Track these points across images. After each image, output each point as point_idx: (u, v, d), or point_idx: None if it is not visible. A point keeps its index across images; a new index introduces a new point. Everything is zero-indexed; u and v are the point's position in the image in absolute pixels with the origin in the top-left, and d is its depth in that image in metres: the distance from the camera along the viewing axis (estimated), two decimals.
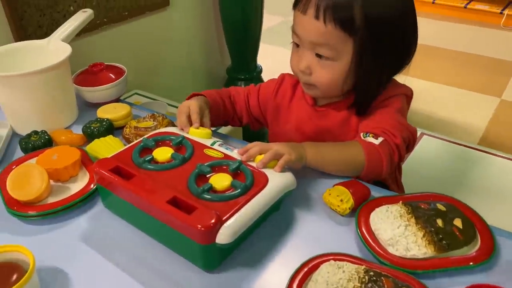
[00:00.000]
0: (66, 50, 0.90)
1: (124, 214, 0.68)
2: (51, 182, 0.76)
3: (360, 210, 0.68)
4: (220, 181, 0.63)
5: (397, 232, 0.62)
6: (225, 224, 0.57)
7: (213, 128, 0.81)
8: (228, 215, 0.58)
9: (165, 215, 0.58)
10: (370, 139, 0.74)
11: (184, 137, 0.72)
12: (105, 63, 1.02)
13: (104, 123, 0.88)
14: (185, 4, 1.71)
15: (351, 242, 0.65)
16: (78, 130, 0.91)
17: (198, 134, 0.75)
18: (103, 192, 0.69)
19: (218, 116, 0.89)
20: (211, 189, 0.62)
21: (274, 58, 2.88)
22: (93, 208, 0.73)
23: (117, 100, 1.02)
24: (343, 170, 0.75)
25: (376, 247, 0.62)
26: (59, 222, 0.70)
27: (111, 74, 1.00)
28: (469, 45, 2.98)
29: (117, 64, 1.04)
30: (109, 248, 0.65)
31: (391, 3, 0.73)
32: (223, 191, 0.62)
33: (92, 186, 0.74)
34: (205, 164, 0.66)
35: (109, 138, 0.85)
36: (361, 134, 0.76)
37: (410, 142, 0.79)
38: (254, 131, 1.02)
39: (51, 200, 0.72)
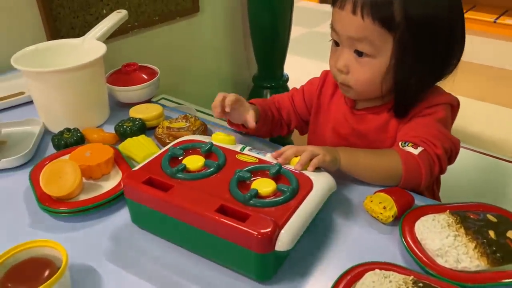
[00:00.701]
0: (101, 48, 0.89)
1: (160, 229, 0.64)
2: (84, 179, 0.74)
3: (404, 218, 0.64)
4: (264, 186, 0.60)
5: (446, 242, 0.58)
6: (283, 230, 0.54)
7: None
8: (283, 220, 0.54)
9: (216, 225, 0.55)
10: (409, 148, 0.71)
11: (212, 144, 0.69)
12: (138, 64, 1.01)
13: (137, 122, 0.87)
14: (215, 11, 1.71)
15: (395, 251, 0.62)
16: (109, 129, 0.90)
17: (222, 141, 0.72)
18: (133, 207, 0.64)
19: (267, 125, 0.86)
20: (257, 195, 0.59)
21: (298, 68, 2.87)
22: (125, 207, 0.71)
23: (149, 101, 1.01)
24: (377, 178, 0.72)
25: (424, 258, 0.58)
26: (90, 220, 0.69)
27: (143, 75, 0.99)
28: (499, 60, 2.92)
29: (150, 65, 1.03)
30: (141, 251, 0.63)
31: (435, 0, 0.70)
32: (269, 196, 0.59)
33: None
34: (244, 170, 0.63)
35: (142, 138, 0.84)
36: (400, 143, 0.73)
37: (452, 153, 0.75)
38: None
39: (83, 197, 0.71)
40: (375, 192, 0.68)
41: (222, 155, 0.67)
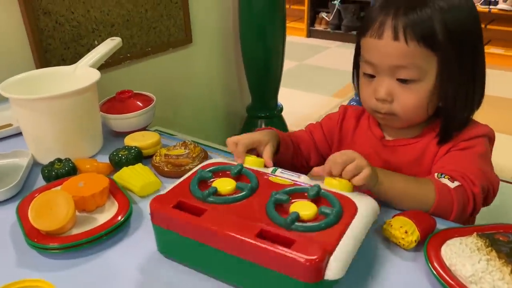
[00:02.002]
0: (94, 75, 0.85)
1: (192, 258, 0.58)
2: (77, 212, 0.68)
3: (428, 243, 0.59)
4: (304, 209, 0.55)
5: (479, 267, 0.53)
6: (332, 257, 0.48)
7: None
8: (331, 246, 0.49)
9: (257, 252, 0.49)
10: (445, 180, 0.67)
11: (242, 165, 0.64)
12: (133, 91, 0.97)
13: (133, 151, 0.82)
14: (208, 42, 1.70)
15: (422, 279, 0.57)
16: (103, 160, 0.85)
17: (251, 163, 0.67)
18: (161, 234, 0.59)
19: (287, 157, 0.81)
20: (298, 219, 0.53)
21: (291, 100, 2.87)
22: (122, 241, 0.65)
23: (144, 129, 0.96)
24: (407, 205, 0.67)
25: (456, 286, 0.53)
26: (83, 256, 0.62)
27: (138, 102, 0.95)
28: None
29: (145, 92, 0.99)
30: (141, 286, 0.57)
31: (465, 9, 0.69)
32: (310, 220, 0.54)
33: (120, 217, 0.66)
34: (281, 192, 0.57)
35: (139, 167, 0.78)
36: (436, 174, 0.68)
37: (489, 193, 0.70)
38: None
39: (76, 231, 0.65)
40: (393, 216, 0.64)
41: (254, 177, 0.62)
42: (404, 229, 0.60)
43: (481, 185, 0.67)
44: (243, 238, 0.50)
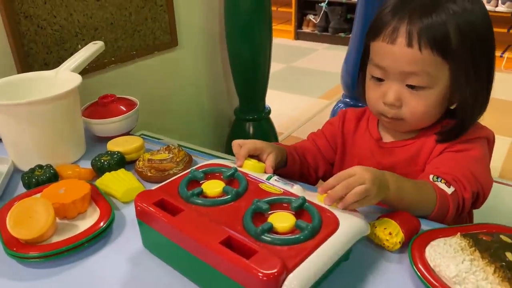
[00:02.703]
0: (75, 79, 0.84)
1: (167, 257, 0.59)
2: (57, 219, 0.67)
3: (413, 244, 0.59)
4: (282, 220, 0.54)
5: (463, 268, 0.53)
6: (291, 274, 0.47)
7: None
8: (294, 262, 0.48)
9: (218, 259, 0.49)
10: (442, 185, 0.66)
11: (236, 170, 0.64)
12: (116, 96, 0.96)
13: (115, 156, 0.81)
14: (193, 45, 1.69)
15: (407, 281, 0.56)
16: (85, 165, 0.83)
17: (250, 167, 0.66)
18: (144, 229, 0.60)
19: (295, 170, 0.80)
20: (272, 230, 0.53)
21: (278, 103, 2.87)
22: (103, 249, 0.64)
23: (128, 134, 0.95)
24: (416, 211, 0.66)
25: (440, 287, 0.53)
26: (65, 265, 0.61)
27: (121, 106, 0.94)
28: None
29: (128, 97, 0.98)
30: None
31: (478, 13, 0.68)
32: (286, 233, 0.53)
33: (102, 224, 0.65)
34: (263, 200, 0.57)
35: (121, 172, 0.77)
36: (431, 177, 0.68)
37: (479, 198, 0.70)
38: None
39: (56, 239, 0.63)
40: (378, 217, 0.63)
41: (244, 182, 0.62)
42: (388, 230, 0.60)
43: (471, 191, 0.67)
44: (206, 243, 0.50)
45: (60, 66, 0.92)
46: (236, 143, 0.72)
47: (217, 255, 0.49)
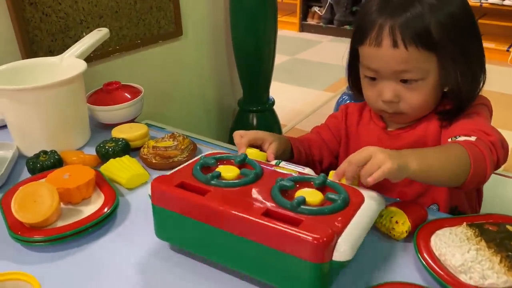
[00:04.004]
0: (80, 65, 0.84)
1: (192, 242, 0.56)
2: (62, 205, 0.67)
3: (418, 233, 0.59)
4: (311, 195, 0.53)
5: (469, 257, 0.53)
6: (341, 238, 0.47)
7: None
8: (338, 228, 0.48)
9: (263, 231, 0.48)
10: (463, 138, 0.65)
11: (246, 155, 0.63)
12: (121, 83, 0.96)
13: (120, 142, 0.80)
14: (198, 35, 1.68)
15: (411, 269, 0.56)
16: (90, 151, 0.83)
17: (254, 155, 0.66)
18: (161, 215, 0.57)
19: (301, 162, 0.78)
20: (304, 203, 0.52)
21: (282, 95, 2.86)
22: (107, 234, 0.64)
23: (132, 121, 0.95)
24: (451, 177, 0.62)
25: (445, 275, 0.53)
26: (68, 249, 0.61)
27: (126, 94, 0.94)
28: None
29: (133, 84, 0.98)
30: (128, 279, 0.56)
31: (456, 2, 0.68)
32: (317, 206, 0.52)
33: (106, 209, 0.65)
34: (287, 179, 0.56)
35: (126, 159, 0.77)
36: (449, 140, 0.67)
37: (503, 145, 0.67)
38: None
39: (60, 224, 0.64)
40: (385, 207, 0.63)
41: (258, 166, 0.60)
42: (395, 219, 0.60)
43: (495, 135, 0.65)
44: (249, 216, 0.48)
45: (65, 53, 0.91)
46: (237, 133, 0.72)
47: (264, 228, 0.47)
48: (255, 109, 1.83)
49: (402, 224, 0.59)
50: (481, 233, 0.56)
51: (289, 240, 0.46)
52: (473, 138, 0.64)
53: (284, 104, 2.69)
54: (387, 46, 0.66)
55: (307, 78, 3.27)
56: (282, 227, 0.47)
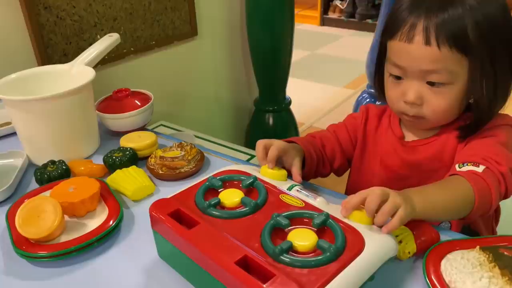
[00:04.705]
0: (89, 73, 0.83)
1: (182, 269, 0.57)
2: (66, 217, 0.67)
3: (428, 256, 0.56)
4: (302, 238, 0.50)
5: (480, 285, 0.50)
6: None
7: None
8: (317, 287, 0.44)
9: (232, 280, 0.46)
10: (470, 167, 0.63)
11: (256, 178, 0.61)
12: (131, 89, 0.95)
13: (128, 152, 0.80)
14: (213, 35, 1.67)
15: None
16: (99, 160, 0.83)
17: (271, 175, 0.64)
18: (159, 240, 0.58)
19: (312, 167, 0.77)
20: (291, 249, 0.50)
21: (301, 92, 2.83)
22: (112, 248, 0.64)
23: (142, 128, 0.94)
24: (453, 214, 0.62)
25: None
26: (73, 264, 0.61)
27: (136, 101, 0.93)
28: None
29: (143, 91, 0.97)
30: None
31: (495, 3, 0.65)
32: (306, 253, 0.50)
33: (111, 222, 0.65)
34: (283, 215, 0.53)
35: (132, 169, 0.77)
36: (456, 166, 0.65)
37: None
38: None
39: (65, 238, 0.64)
40: None
41: (264, 192, 0.59)
42: (399, 238, 0.57)
43: (507, 165, 0.63)
44: (221, 263, 0.47)
45: (75, 60, 0.91)
46: (261, 144, 0.69)
47: (233, 276, 0.46)
48: (271, 109, 1.81)
49: (406, 244, 0.57)
50: (495, 258, 0.53)
51: None
52: (480, 169, 0.61)
53: (302, 102, 2.65)
54: (419, 42, 0.63)
55: (327, 74, 3.22)
56: (249, 281, 0.44)
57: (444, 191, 0.61)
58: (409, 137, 0.76)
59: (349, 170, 0.85)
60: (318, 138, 0.81)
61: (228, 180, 0.62)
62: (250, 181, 0.60)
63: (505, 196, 0.64)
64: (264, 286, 0.44)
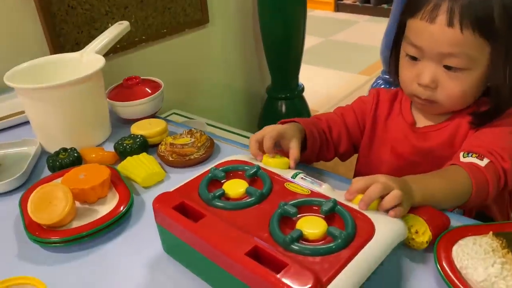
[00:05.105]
0: (99, 61, 0.84)
1: (190, 262, 0.55)
2: (78, 204, 0.68)
3: (439, 242, 0.55)
4: (312, 226, 0.49)
5: (492, 271, 0.49)
6: (330, 286, 0.43)
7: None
8: (328, 276, 0.44)
9: (244, 272, 0.45)
10: (473, 159, 0.62)
11: (259, 167, 0.60)
12: (141, 77, 0.95)
13: (138, 140, 0.80)
14: (225, 22, 1.66)
15: (431, 282, 0.53)
16: (110, 147, 0.84)
17: (272, 164, 0.63)
18: (164, 234, 0.57)
19: (315, 149, 0.74)
20: (301, 237, 0.49)
21: (315, 79, 2.80)
22: (122, 233, 0.65)
23: (153, 116, 0.94)
24: (452, 204, 0.62)
25: None
26: (84, 249, 0.62)
27: (147, 89, 0.93)
28: None
29: (153, 78, 0.97)
30: (144, 282, 0.56)
31: None
32: (317, 240, 0.49)
33: (121, 208, 0.66)
34: (290, 203, 0.52)
35: (143, 156, 0.77)
36: (461, 154, 0.64)
37: None
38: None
39: (76, 224, 0.64)
40: None
41: (268, 182, 0.58)
42: (415, 228, 0.56)
43: (511, 160, 0.62)
44: (231, 255, 0.46)
45: (85, 48, 0.92)
46: (253, 140, 0.67)
47: (244, 268, 0.45)
48: (284, 96, 1.80)
49: (422, 234, 0.55)
50: (509, 244, 0.52)
51: (269, 286, 0.43)
52: (483, 163, 0.61)
53: (316, 89, 2.63)
54: (441, 23, 0.61)
55: (342, 60, 3.18)
56: (262, 272, 0.43)
57: (443, 182, 0.61)
58: (421, 122, 0.74)
59: (356, 156, 0.84)
60: (324, 120, 0.79)
61: (231, 171, 0.61)
62: (253, 170, 0.59)
63: (503, 189, 0.63)
64: (278, 276, 0.43)
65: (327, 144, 0.78)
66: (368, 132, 0.80)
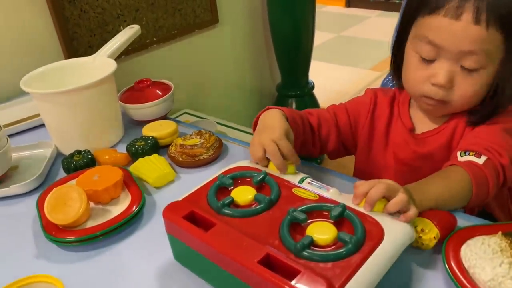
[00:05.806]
0: (110, 65, 0.85)
1: (201, 271, 0.56)
2: (92, 204, 0.70)
3: (448, 242, 0.55)
4: (322, 232, 0.50)
5: (500, 271, 0.49)
6: None
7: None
8: (340, 282, 0.44)
9: (258, 280, 0.45)
10: (471, 158, 0.62)
11: (266, 174, 0.60)
12: (152, 80, 0.97)
13: (149, 141, 0.82)
14: (234, 21, 1.67)
15: (439, 281, 0.53)
16: (123, 149, 0.86)
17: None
18: (174, 243, 0.57)
19: (297, 139, 0.71)
20: (312, 243, 0.49)
21: (325, 75, 2.80)
22: (135, 232, 0.67)
23: (164, 117, 0.96)
24: (455, 205, 0.62)
25: None
26: (98, 248, 0.64)
27: (158, 91, 0.95)
28: None
29: (164, 80, 0.99)
30: (155, 280, 0.58)
31: None
32: (327, 246, 0.49)
33: (134, 208, 0.67)
34: (299, 209, 0.53)
35: (154, 157, 0.79)
36: (458, 153, 0.63)
37: None
38: None
39: (91, 224, 0.66)
40: None
41: (276, 188, 0.58)
42: (420, 227, 0.56)
43: (509, 156, 0.62)
44: (244, 263, 0.46)
45: (97, 52, 0.94)
46: (259, 145, 0.64)
47: (258, 276, 0.45)
48: (294, 93, 1.80)
49: (429, 231, 0.56)
50: None
51: None
52: (481, 160, 0.61)
53: (327, 85, 2.63)
54: (467, 20, 0.59)
55: (353, 56, 3.16)
56: (276, 280, 0.44)
57: (442, 186, 0.60)
58: (419, 127, 0.74)
59: (351, 158, 0.84)
60: (315, 115, 0.77)
61: (238, 177, 0.61)
62: (261, 177, 0.59)
63: (504, 185, 0.63)
64: (292, 283, 0.43)
65: (313, 138, 0.76)
66: (366, 135, 0.78)
